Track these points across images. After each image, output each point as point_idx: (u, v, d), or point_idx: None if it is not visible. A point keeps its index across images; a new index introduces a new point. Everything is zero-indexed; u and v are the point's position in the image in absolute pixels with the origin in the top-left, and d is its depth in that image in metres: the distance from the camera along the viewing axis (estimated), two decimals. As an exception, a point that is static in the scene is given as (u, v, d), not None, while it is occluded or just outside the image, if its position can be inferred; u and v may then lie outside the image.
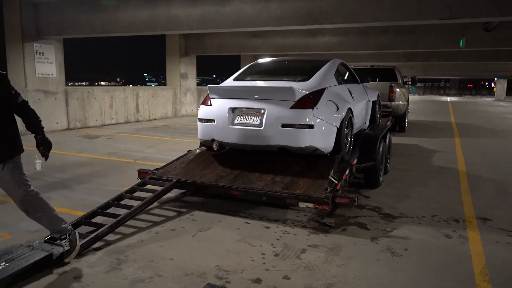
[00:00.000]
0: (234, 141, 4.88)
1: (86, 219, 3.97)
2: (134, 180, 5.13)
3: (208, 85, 5.09)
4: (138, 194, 4.60)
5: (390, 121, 7.88)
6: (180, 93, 16.20)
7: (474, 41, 12.13)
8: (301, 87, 4.76)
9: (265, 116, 4.66)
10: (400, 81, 11.64)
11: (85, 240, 3.52)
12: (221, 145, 5.11)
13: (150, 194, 4.45)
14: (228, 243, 3.78)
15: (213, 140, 5.04)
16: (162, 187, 4.59)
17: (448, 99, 42.28)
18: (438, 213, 4.75)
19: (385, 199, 5.25)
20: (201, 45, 16.09)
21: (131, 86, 16.56)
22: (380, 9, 6.82)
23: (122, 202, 4.41)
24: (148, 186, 4.77)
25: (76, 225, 3.82)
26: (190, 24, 8.50)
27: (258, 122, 4.71)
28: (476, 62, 19.28)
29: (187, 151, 5.89)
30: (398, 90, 10.92)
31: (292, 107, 4.60)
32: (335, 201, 4.12)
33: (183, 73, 16.25)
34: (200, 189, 4.80)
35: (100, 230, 3.68)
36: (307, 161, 5.00)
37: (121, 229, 4.00)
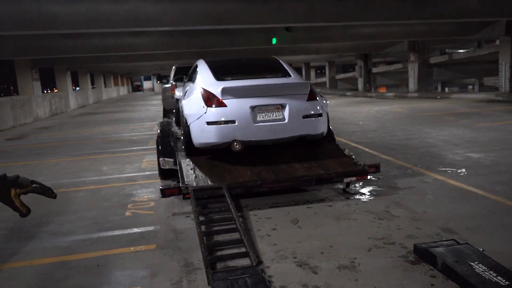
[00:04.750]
0: (258, 138, 5.07)
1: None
2: (113, 202, 5.27)
3: (222, 87, 5.02)
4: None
5: None
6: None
7: (281, 40, 14.73)
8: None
9: (287, 110, 5.09)
10: None
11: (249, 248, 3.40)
12: (242, 144, 5.16)
13: (224, 204, 4.33)
14: (334, 224, 4.27)
15: (234, 140, 5.04)
16: (223, 195, 4.46)
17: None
18: (397, 169, 6.36)
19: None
20: (-9, 48, 13.05)
21: None
22: (280, 13, 7.90)
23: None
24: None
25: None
26: (73, 23, 7.27)
27: (281, 117, 5.09)
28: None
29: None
30: None
31: (307, 100, 5.22)
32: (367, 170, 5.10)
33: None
34: (249, 189, 4.85)
35: (242, 235, 3.61)
36: (304, 147, 5.71)
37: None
